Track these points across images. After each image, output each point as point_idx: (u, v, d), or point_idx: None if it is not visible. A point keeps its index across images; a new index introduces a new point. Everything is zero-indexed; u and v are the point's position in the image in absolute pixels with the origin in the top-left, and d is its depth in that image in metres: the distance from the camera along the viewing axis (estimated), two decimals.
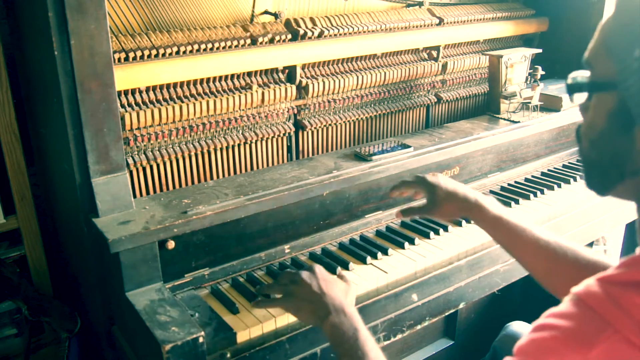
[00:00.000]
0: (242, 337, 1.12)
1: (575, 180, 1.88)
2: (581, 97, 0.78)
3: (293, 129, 1.60)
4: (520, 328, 1.45)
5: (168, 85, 1.39)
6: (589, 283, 0.67)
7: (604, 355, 0.58)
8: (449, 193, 1.27)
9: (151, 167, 1.39)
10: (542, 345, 0.63)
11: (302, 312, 1.08)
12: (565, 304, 0.67)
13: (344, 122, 1.71)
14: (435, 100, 1.93)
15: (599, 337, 0.59)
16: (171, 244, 1.18)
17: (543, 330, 0.65)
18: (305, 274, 1.10)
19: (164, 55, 1.35)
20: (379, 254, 1.39)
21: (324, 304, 1.04)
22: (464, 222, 1.55)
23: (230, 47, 1.45)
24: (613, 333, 0.58)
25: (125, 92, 1.33)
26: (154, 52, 1.33)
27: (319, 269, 1.13)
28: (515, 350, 0.66)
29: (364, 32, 1.69)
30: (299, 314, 1.10)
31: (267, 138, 1.57)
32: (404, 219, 1.35)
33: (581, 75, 0.77)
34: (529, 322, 1.43)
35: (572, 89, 0.78)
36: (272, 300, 1.16)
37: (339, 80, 1.65)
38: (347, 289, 1.13)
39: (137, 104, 1.34)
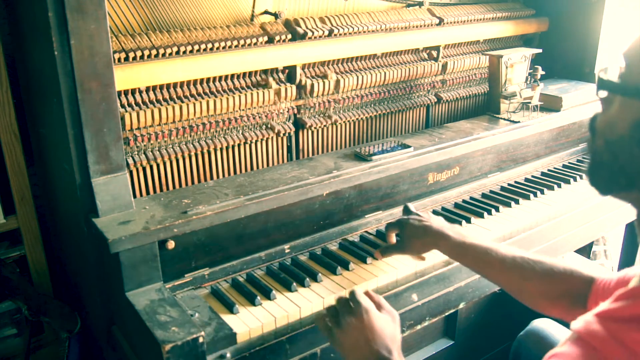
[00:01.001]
0: (242, 337, 1.12)
1: (575, 180, 1.88)
2: (606, 92, 0.73)
3: (293, 129, 1.60)
4: (544, 325, 1.46)
5: (168, 85, 1.39)
6: (588, 320, 0.65)
7: None
8: (412, 231, 1.30)
9: (151, 167, 1.39)
10: None
11: (346, 357, 1.04)
12: (568, 345, 0.66)
13: (344, 122, 1.71)
14: (435, 100, 1.93)
15: None
16: (171, 244, 1.18)
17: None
18: (354, 320, 1.04)
19: (164, 55, 1.35)
20: None
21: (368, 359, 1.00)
22: (463, 221, 1.55)
23: (230, 47, 1.45)
24: None
25: (125, 92, 1.33)
26: (154, 52, 1.33)
27: (367, 311, 1.05)
28: None
29: (364, 32, 1.69)
30: (344, 356, 1.06)
31: (267, 138, 1.57)
32: (382, 258, 1.35)
33: (614, 69, 0.71)
34: (553, 318, 1.44)
35: (602, 85, 0.72)
36: (324, 330, 1.10)
37: (339, 80, 1.65)
38: (394, 328, 1.06)
39: (137, 104, 1.35)
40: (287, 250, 1.39)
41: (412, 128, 1.91)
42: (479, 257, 1.19)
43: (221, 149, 1.49)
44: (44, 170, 1.56)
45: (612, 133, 0.71)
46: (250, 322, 1.15)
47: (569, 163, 2.03)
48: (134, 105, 1.34)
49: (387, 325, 1.06)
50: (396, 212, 1.57)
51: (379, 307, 1.10)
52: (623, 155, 0.69)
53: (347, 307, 1.08)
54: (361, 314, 1.05)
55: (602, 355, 0.60)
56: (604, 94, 0.73)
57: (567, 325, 1.40)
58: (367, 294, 1.12)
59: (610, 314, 0.63)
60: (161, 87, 1.38)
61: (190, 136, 1.43)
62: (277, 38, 1.52)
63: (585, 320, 0.66)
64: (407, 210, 1.41)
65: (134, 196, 1.28)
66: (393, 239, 1.40)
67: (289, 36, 1.55)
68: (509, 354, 1.52)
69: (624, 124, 0.68)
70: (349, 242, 1.47)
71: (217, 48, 1.42)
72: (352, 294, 1.10)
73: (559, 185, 1.83)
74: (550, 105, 1.94)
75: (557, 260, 1.14)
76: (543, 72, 1.86)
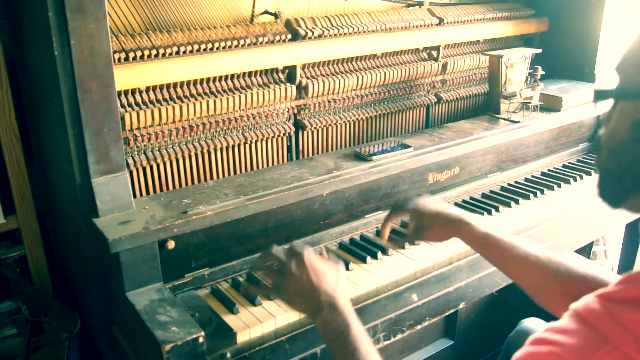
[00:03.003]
0: (242, 337, 1.12)
1: (575, 180, 1.88)
2: (605, 105, 0.76)
3: (293, 129, 1.60)
4: (534, 324, 1.45)
5: (168, 85, 1.39)
6: (589, 300, 0.66)
7: None
8: (433, 217, 1.28)
9: (151, 167, 1.39)
10: (542, 358, 0.63)
11: (294, 305, 1.09)
12: (565, 320, 0.67)
13: (344, 122, 1.71)
14: (435, 100, 1.93)
15: (598, 352, 0.59)
16: (171, 244, 1.18)
17: (541, 345, 0.64)
18: (293, 266, 1.07)
19: (164, 55, 1.35)
20: (379, 254, 1.39)
21: (315, 300, 1.03)
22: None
23: (230, 47, 1.45)
24: (612, 349, 0.59)
25: (125, 92, 1.33)
26: (154, 52, 1.33)
27: (307, 256, 1.08)
28: None
29: (364, 32, 1.69)
30: (291, 306, 1.10)
31: (267, 138, 1.57)
32: (397, 249, 1.34)
33: (610, 83, 0.75)
34: (542, 318, 1.44)
35: (599, 96, 0.75)
36: (262, 289, 1.17)
37: (339, 80, 1.65)
38: (338, 275, 1.09)
39: (137, 104, 1.34)
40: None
41: (412, 128, 1.91)
42: (502, 250, 1.16)
43: (221, 149, 1.49)
44: (44, 170, 1.56)
45: (613, 141, 0.73)
46: (250, 322, 1.15)
47: (569, 163, 2.03)
48: (134, 105, 1.34)
49: (328, 267, 1.09)
50: None
51: (322, 258, 1.13)
52: (626, 157, 0.71)
53: (285, 258, 1.10)
54: (302, 259, 1.08)
55: (597, 331, 0.61)
56: (603, 107, 0.75)
57: None
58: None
59: (610, 296, 0.64)
60: (161, 87, 1.38)
61: (190, 136, 1.43)
62: (277, 38, 1.52)
63: (585, 300, 0.67)
64: (402, 201, 1.37)
65: (134, 196, 1.28)
66: (393, 220, 1.39)
67: (289, 36, 1.55)
68: (499, 356, 1.51)
69: (624, 127, 0.70)
70: (349, 242, 1.47)
71: (217, 48, 1.42)
72: (291, 246, 1.12)
73: (559, 185, 1.83)
74: (550, 105, 1.94)
75: (578, 264, 1.12)
76: (543, 72, 1.86)
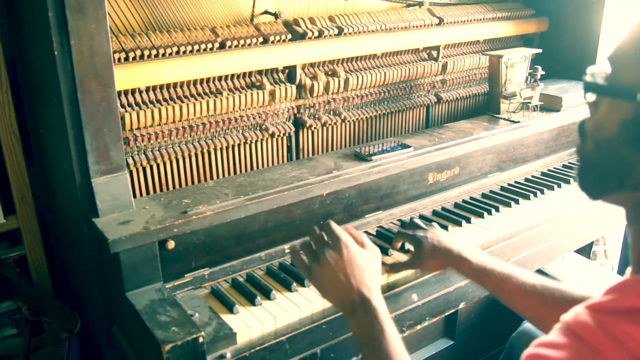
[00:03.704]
0: (242, 337, 1.12)
1: (575, 180, 1.88)
2: (593, 95, 0.73)
3: (293, 129, 1.60)
4: None
5: (168, 85, 1.39)
6: (578, 311, 0.66)
7: None
8: (433, 250, 1.28)
9: (151, 167, 1.39)
10: None
11: (327, 296, 1.04)
12: (555, 333, 0.66)
13: (344, 122, 1.71)
14: (435, 100, 1.93)
15: None
16: (171, 244, 1.18)
17: (537, 351, 0.64)
18: (331, 256, 1.03)
19: (164, 55, 1.35)
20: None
21: (350, 299, 0.99)
22: (463, 222, 1.55)
23: (230, 47, 1.45)
24: None
25: (125, 92, 1.33)
26: (154, 52, 1.33)
27: (345, 248, 1.03)
28: None
29: (364, 32, 1.69)
30: (325, 297, 1.05)
31: (267, 138, 1.57)
32: (391, 274, 1.33)
33: (600, 73, 0.71)
34: None
35: (589, 88, 0.72)
36: (300, 266, 1.09)
37: (339, 80, 1.65)
38: (374, 264, 1.05)
39: (137, 104, 1.34)
40: (287, 250, 1.39)
41: (412, 128, 1.91)
42: (499, 284, 1.18)
43: (221, 149, 1.49)
44: (44, 170, 1.56)
45: (601, 135, 0.71)
46: (250, 322, 1.15)
47: (569, 163, 2.03)
48: (134, 105, 1.34)
49: (368, 261, 1.04)
50: (396, 212, 1.57)
51: (361, 244, 1.09)
52: (612, 156, 0.69)
53: (324, 242, 1.05)
54: (340, 248, 1.04)
55: (588, 344, 0.60)
56: (591, 97, 0.73)
57: None
58: (347, 230, 1.10)
59: (600, 307, 0.63)
60: (161, 87, 1.38)
61: (190, 136, 1.43)
62: (277, 38, 1.52)
63: (575, 312, 0.66)
64: (415, 225, 1.37)
65: (134, 196, 1.28)
66: (398, 246, 1.40)
67: (289, 36, 1.55)
68: (501, 356, 1.51)
69: (613, 124, 0.68)
70: None
71: (217, 48, 1.42)
72: (328, 226, 1.06)
73: (559, 185, 1.83)
74: (550, 105, 1.94)
75: (574, 288, 1.13)
76: (543, 72, 1.86)
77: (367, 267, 1.04)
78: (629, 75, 0.66)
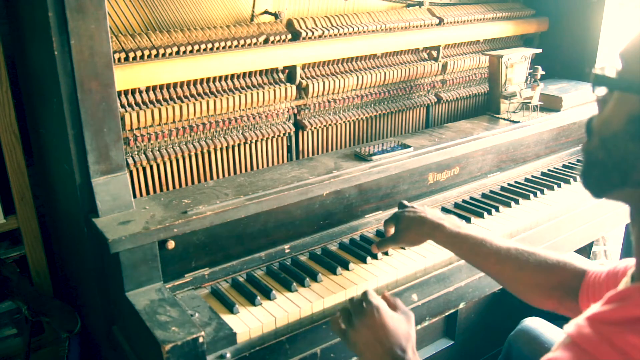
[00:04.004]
0: (242, 337, 1.12)
1: (575, 180, 1.88)
2: (603, 89, 0.72)
3: (293, 129, 1.60)
4: (535, 324, 1.46)
5: (168, 85, 1.39)
6: (580, 323, 0.65)
7: None
8: (408, 222, 1.30)
9: (151, 167, 1.39)
10: None
11: (361, 358, 1.04)
12: (560, 350, 0.66)
13: (344, 122, 1.71)
14: (435, 100, 1.93)
15: None
16: (171, 244, 1.18)
17: None
18: (365, 319, 1.04)
19: (164, 55, 1.35)
20: (379, 254, 1.39)
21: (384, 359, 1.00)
22: (463, 222, 1.55)
23: (230, 47, 1.45)
24: None
25: (125, 92, 1.33)
26: (154, 52, 1.33)
27: (378, 309, 1.04)
28: None
29: (364, 32, 1.69)
30: (359, 358, 1.06)
31: (267, 138, 1.57)
32: (379, 251, 1.36)
33: (610, 67, 0.71)
34: (544, 317, 1.45)
35: (598, 81, 0.71)
36: (337, 331, 1.11)
37: (339, 80, 1.65)
38: (408, 327, 1.06)
39: (137, 104, 1.34)
40: (287, 250, 1.39)
41: (412, 128, 1.91)
42: (473, 248, 1.19)
43: (221, 149, 1.49)
44: (44, 170, 1.57)
45: (607, 130, 0.70)
46: (250, 322, 1.15)
47: (569, 163, 2.03)
48: (134, 105, 1.34)
49: (400, 323, 1.05)
50: None
51: (393, 307, 1.10)
52: (617, 151, 0.69)
53: (359, 307, 1.07)
54: (372, 312, 1.05)
55: (594, 358, 0.59)
56: (600, 91, 0.73)
57: (557, 323, 1.40)
58: (383, 296, 1.12)
59: (601, 317, 0.63)
60: (161, 87, 1.38)
61: (190, 136, 1.43)
62: (277, 38, 1.52)
63: (577, 324, 0.66)
64: (401, 205, 1.41)
65: (134, 196, 1.28)
66: (391, 233, 1.40)
67: (289, 36, 1.55)
68: (500, 356, 1.51)
69: (619, 119, 0.68)
70: (349, 242, 1.47)
71: (217, 48, 1.42)
72: (365, 294, 1.09)
73: (559, 185, 1.83)
74: (550, 105, 1.94)
75: (550, 252, 1.15)
76: (543, 72, 1.86)
77: (399, 329, 1.04)
78: (638, 71, 0.66)
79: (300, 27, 1.58)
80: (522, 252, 1.15)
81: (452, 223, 1.27)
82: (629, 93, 0.67)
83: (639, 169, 0.66)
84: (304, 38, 1.58)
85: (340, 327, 1.09)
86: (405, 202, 1.42)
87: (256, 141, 1.55)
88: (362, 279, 1.30)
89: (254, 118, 1.52)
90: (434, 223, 1.26)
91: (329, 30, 1.61)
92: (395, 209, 1.56)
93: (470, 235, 1.21)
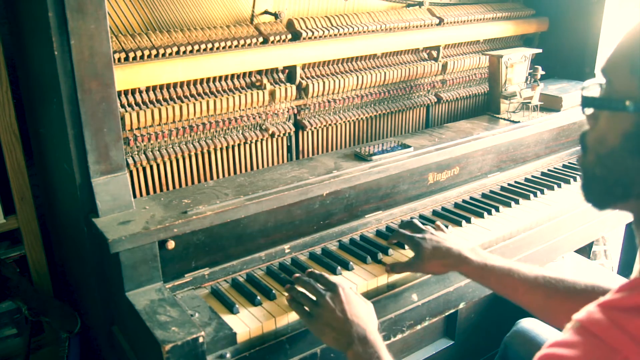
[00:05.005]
0: (242, 337, 1.12)
1: (575, 180, 1.88)
2: (591, 109, 0.73)
3: (293, 129, 1.60)
4: (531, 325, 1.46)
5: (168, 85, 1.39)
6: (590, 310, 0.66)
7: None
8: (432, 251, 1.29)
9: (151, 167, 1.39)
10: None
11: (325, 336, 1.08)
12: (568, 333, 0.66)
13: (344, 122, 1.71)
14: (435, 100, 1.93)
15: None
16: (171, 244, 1.18)
17: (552, 351, 0.64)
18: (329, 298, 1.09)
19: (164, 55, 1.35)
20: (379, 254, 1.39)
21: (347, 333, 1.04)
22: (463, 222, 1.55)
23: (230, 47, 1.45)
24: (619, 357, 0.58)
25: (125, 92, 1.33)
26: (154, 52, 1.33)
27: (342, 290, 1.11)
28: None
29: (364, 32, 1.69)
30: (322, 338, 1.10)
31: (267, 138, 1.57)
32: (391, 274, 1.34)
33: (595, 86, 0.72)
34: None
35: (586, 103, 0.72)
36: (298, 311, 1.15)
37: (339, 80, 1.65)
38: (371, 310, 1.12)
39: (137, 104, 1.34)
40: (287, 250, 1.39)
41: (412, 128, 1.91)
42: (501, 280, 1.19)
43: (221, 149, 1.49)
44: (44, 170, 1.56)
45: (603, 147, 0.71)
46: (250, 322, 1.15)
47: (569, 163, 2.03)
48: (134, 105, 1.34)
49: (362, 303, 1.11)
50: (396, 212, 1.57)
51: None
52: (617, 167, 0.69)
53: (321, 288, 1.12)
54: (337, 290, 1.11)
55: (604, 342, 0.60)
56: (589, 111, 0.73)
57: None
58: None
59: (612, 304, 0.64)
60: (161, 87, 1.38)
61: (190, 136, 1.43)
62: (277, 38, 1.52)
63: (587, 311, 0.66)
64: (413, 226, 1.38)
65: (134, 196, 1.28)
66: (393, 242, 1.41)
67: (289, 36, 1.55)
68: (496, 357, 1.51)
69: (614, 136, 0.68)
70: (349, 242, 1.47)
71: (217, 48, 1.42)
72: (321, 275, 1.16)
73: (559, 185, 1.83)
74: (550, 105, 1.94)
75: (578, 277, 1.14)
76: (543, 72, 1.86)
77: (362, 307, 1.10)
78: (626, 86, 0.66)
79: (300, 27, 1.58)
80: (550, 279, 1.14)
81: (477, 254, 1.26)
82: (620, 112, 0.67)
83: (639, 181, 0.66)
84: (304, 38, 1.58)
85: (302, 307, 1.13)
86: (417, 222, 1.40)
87: (256, 141, 1.55)
88: (362, 279, 1.30)
89: (254, 118, 1.52)
90: (461, 256, 1.25)
91: (329, 30, 1.61)
92: (395, 209, 1.57)
93: (496, 267, 1.20)
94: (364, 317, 1.08)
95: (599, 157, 0.72)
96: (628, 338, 0.58)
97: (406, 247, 1.41)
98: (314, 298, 1.12)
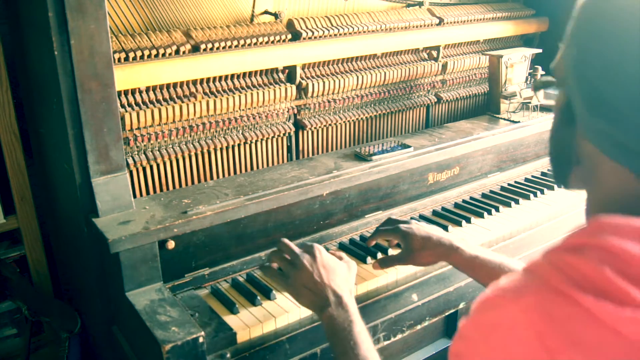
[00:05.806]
0: (242, 337, 1.12)
1: None
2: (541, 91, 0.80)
3: (293, 129, 1.60)
4: None
5: (168, 85, 1.39)
6: (535, 255, 0.72)
7: (535, 303, 0.62)
8: (423, 241, 1.27)
9: (151, 167, 1.39)
10: (487, 302, 0.68)
11: (302, 298, 1.11)
12: (512, 274, 0.72)
13: (344, 122, 1.71)
14: (435, 100, 1.93)
15: (531, 287, 0.64)
16: (171, 244, 1.18)
17: (490, 290, 0.69)
18: (306, 260, 1.12)
19: (164, 55, 1.35)
20: (379, 254, 1.39)
21: (323, 296, 1.07)
22: (463, 222, 1.55)
23: (230, 47, 1.45)
24: (543, 283, 0.63)
25: (125, 92, 1.33)
26: (154, 52, 1.33)
27: (319, 252, 1.13)
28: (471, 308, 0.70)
29: (364, 32, 1.69)
30: (298, 299, 1.13)
31: (267, 138, 1.57)
32: (381, 269, 1.33)
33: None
34: None
35: (537, 87, 0.80)
36: (274, 276, 1.18)
37: (339, 80, 1.65)
38: (347, 273, 1.14)
39: (137, 104, 1.34)
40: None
41: (412, 128, 1.91)
42: (491, 271, 1.19)
43: (221, 149, 1.49)
44: (44, 170, 1.57)
45: (551, 126, 0.78)
46: (250, 322, 1.15)
47: None
48: (134, 105, 1.34)
49: (340, 266, 1.14)
50: (396, 212, 1.57)
51: (339, 257, 1.19)
52: (558, 140, 0.77)
53: (298, 251, 1.15)
54: (314, 252, 1.13)
55: (533, 273, 0.66)
56: (541, 94, 0.80)
57: None
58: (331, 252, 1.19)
59: (552, 247, 0.69)
60: (161, 87, 1.38)
61: (190, 136, 1.43)
62: (277, 38, 1.52)
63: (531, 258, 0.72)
64: (393, 221, 1.37)
65: (134, 196, 1.28)
66: (372, 244, 1.42)
67: (289, 36, 1.55)
68: None
69: (555, 114, 0.76)
70: (349, 242, 1.47)
71: (217, 48, 1.42)
72: (303, 244, 1.17)
73: (559, 185, 1.82)
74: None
75: None
76: (543, 72, 1.86)
77: (339, 271, 1.12)
78: (561, 66, 0.73)
79: (300, 27, 1.58)
80: None
81: (469, 245, 1.25)
82: (558, 89, 0.75)
83: (574, 148, 0.73)
84: (304, 38, 1.58)
85: (276, 271, 1.16)
86: (397, 218, 1.39)
87: (256, 141, 1.55)
88: (362, 278, 1.30)
89: (254, 118, 1.52)
90: (453, 245, 1.24)
91: (329, 30, 1.61)
92: (395, 209, 1.57)
93: (487, 259, 1.20)
94: (340, 281, 1.10)
95: (550, 137, 0.79)
96: (553, 268, 0.63)
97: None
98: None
